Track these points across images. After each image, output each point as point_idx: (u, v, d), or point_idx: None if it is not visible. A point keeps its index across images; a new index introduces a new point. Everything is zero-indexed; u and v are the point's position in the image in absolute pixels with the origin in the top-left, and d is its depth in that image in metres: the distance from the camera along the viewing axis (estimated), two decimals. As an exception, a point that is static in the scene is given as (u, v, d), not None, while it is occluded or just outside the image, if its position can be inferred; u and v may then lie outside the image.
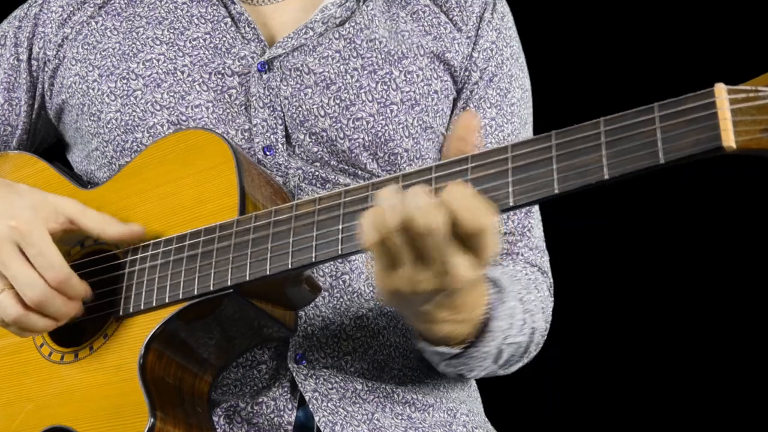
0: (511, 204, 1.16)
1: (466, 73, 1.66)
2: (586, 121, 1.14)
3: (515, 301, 1.47)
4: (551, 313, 1.65)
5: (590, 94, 2.44)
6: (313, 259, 1.29)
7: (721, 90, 1.06)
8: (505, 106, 1.68)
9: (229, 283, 1.34)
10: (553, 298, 1.67)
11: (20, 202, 1.43)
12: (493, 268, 1.53)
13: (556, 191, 1.14)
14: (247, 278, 1.33)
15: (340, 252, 1.27)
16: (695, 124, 1.06)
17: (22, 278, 1.38)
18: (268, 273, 1.32)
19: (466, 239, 1.15)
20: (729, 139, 1.04)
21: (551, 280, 1.68)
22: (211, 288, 1.36)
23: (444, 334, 1.35)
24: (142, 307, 1.41)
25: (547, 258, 1.68)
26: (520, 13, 1.78)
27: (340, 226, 1.27)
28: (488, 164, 1.18)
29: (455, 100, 1.66)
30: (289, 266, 1.31)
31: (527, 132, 1.72)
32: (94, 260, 1.47)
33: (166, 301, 1.39)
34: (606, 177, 1.11)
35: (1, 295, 1.39)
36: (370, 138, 1.57)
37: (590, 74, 2.58)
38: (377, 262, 1.20)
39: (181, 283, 1.38)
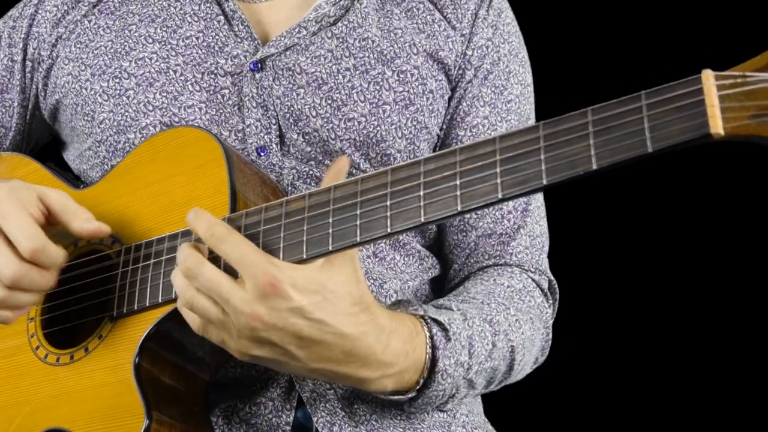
0: (500, 197, 1.14)
1: (460, 72, 1.64)
2: (572, 110, 1.12)
3: (481, 325, 1.45)
4: (551, 315, 1.63)
5: (576, 83, 2.43)
6: (304, 256, 1.28)
7: (708, 76, 1.04)
8: (500, 104, 1.65)
9: None
10: (554, 299, 1.65)
11: (2, 186, 1.42)
12: (459, 292, 1.55)
13: (545, 183, 1.12)
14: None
15: (330, 248, 1.26)
16: (683, 111, 1.04)
17: None
18: None
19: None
20: (717, 126, 1.02)
21: (550, 278, 1.65)
22: None
23: (391, 390, 1.37)
24: (135, 308, 1.40)
25: (545, 255, 1.66)
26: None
27: (330, 220, 1.26)
28: (476, 157, 1.17)
29: (449, 99, 1.64)
30: None
31: None
32: (88, 260, 1.46)
33: (159, 301, 1.38)
34: (594, 167, 1.09)
35: None
36: (361, 138, 1.55)
37: (577, 63, 2.57)
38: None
39: None
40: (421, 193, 1.20)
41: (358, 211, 1.25)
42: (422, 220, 1.20)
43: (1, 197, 1.38)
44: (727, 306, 2.58)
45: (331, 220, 1.27)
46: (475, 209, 1.17)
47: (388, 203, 1.22)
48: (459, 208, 1.17)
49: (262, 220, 1.32)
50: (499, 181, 1.14)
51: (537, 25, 2.42)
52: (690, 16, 2.44)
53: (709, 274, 2.53)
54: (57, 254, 1.38)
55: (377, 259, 1.55)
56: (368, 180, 1.25)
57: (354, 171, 1.56)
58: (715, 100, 1.03)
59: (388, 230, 1.22)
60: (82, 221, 1.41)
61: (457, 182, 1.18)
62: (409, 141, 1.58)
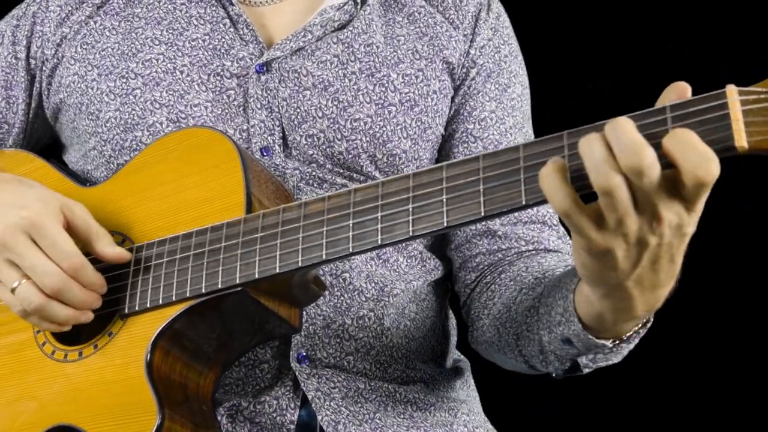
0: (524, 203, 1.17)
1: (464, 70, 1.68)
2: (588, 122, 1.15)
3: None
4: None
5: (601, 97, 2.46)
6: (324, 257, 1.30)
7: (732, 91, 1.07)
8: (506, 100, 1.69)
9: (237, 281, 1.35)
10: None
11: (30, 194, 1.43)
12: None
13: None
14: (257, 276, 1.33)
15: (351, 250, 1.28)
16: (708, 124, 1.07)
17: (40, 267, 1.37)
18: (277, 271, 1.32)
19: (680, 187, 1.08)
20: (741, 140, 1.05)
21: None
22: (220, 286, 1.36)
23: (627, 329, 1.28)
24: (148, 305, 1.41)
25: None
26: (547, 16, 1.78)
27: (351, 223, 1.28)
28: (500, 164, 1.19)
29: (453, 98, 1.68)
30: (299, 264, 1.31)
31: (529, 129, 1.73)
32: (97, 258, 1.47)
33: (173, 299, 1.39)
34: None
35: (21, 287, 1.38)
36: (367, 139, 1.58)
37: (601, 78, 2.58)
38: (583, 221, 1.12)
39: (188, 280, 1.38)
40: (444, 197, 1.23)
41: (379, 214, 1.27)
42: (445, 224, 1.22)
43: (38, 209, 1.39)
44: (723, 309, 2.62)
45: (351, 223, 1.29)
46: (498, 215, 1.19)
47: (410, 207, 1.25)
48: (482, 213, 1.20)
49: (280, 221, 1.34)
50: (523, 187, 1.17)
51: (560, 40, 2.44)
52: (712, 33, 2.46)
53: (700, 278, 2.56)
54: (95, 276, 1.41)
55: (381, 261, 1.58)
56: (389, 184, 1.28)
57: (356, 174, 1.59)
58: (740, 114, 1.06)
59: (410, 233, 1.24)
60: (105, 244, 1.43)
61: (481, 187, 1.20)
62: (413, 141, 1.61)
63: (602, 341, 1.30)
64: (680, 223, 1.11)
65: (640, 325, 1.30)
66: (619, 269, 1.14)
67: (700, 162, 1.05)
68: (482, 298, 1.60)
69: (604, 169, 1.07)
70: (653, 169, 1.06)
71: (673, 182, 1.08)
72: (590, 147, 1.08)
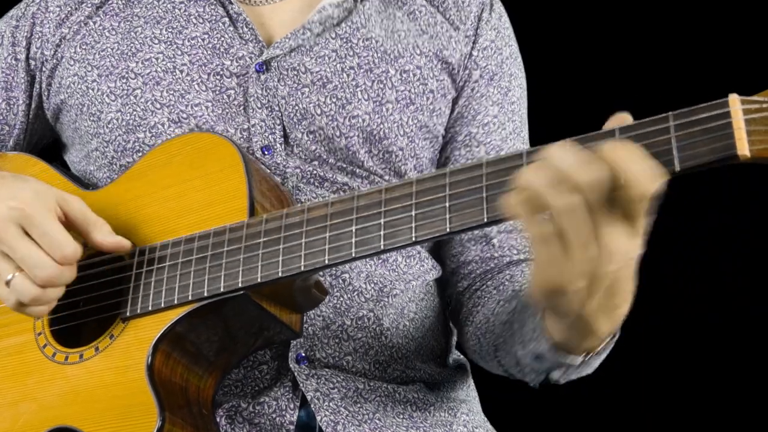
0: None
1: (467, 72, 1.69)
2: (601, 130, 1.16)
3: None
4: None
5: (605, 106, 2.47)
6: (326, 262, 1.30)
7: (735, 100, 1.08)
8: (507, 105, 1.70)
9: (240, 285, 1.35)
10: None
11: (23, 186, 1.42)
12: None
13: None
14: (259, 280, 1.34)
15: (353, 255, 1.29)
16: (710, 133, 1.09)
17: (31, 259, 1.36)
18: (280, 275, 1.33)
19: (623, 205, 1.08)
20: (743, 148, 1.07)
21: None
22: (222, 289, 1.36)
23: (595, 345, 1.28)
24: (150, 308, 1.41)
25: None
26: (553, 24, 1.79)
27: (354, 228, 1.29)
28: (504, 170, 1.20)
29: (455, 99, 1.68)
30: (302, 268, 1.32)
31: (526, 133, 1.74)
32: (99, 261, 1.47)
33: (175, 302, 1.39)
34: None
35: (15, 279, 1.37)
36: (365, 136, 1.59)
37: (605, 87, 2.58)
38: (539, 254, 1.12)
39: (190, 284, 1.39)
40: (447, 203, 1.23)
41: (382, 220, 1.28)
42: (448, 229, 1.23)
43: (29, 199, 1.38)
44: (724, 311, 2.64)
45: (354, 228, 1.29)
46: (501, 221, 1.21)
47: (414, 213, 1.26)
48: (486, 219, 1.21)
49: (282, 225, 1.35)
50: None
51: (565, 47, 2.44)
52: (714, 43, 2.46)
53: (700, 277, 2.57)
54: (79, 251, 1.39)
55: (380, 261, 1.59)
56: (393, 189, 1.28)
57: (358, 169, 1.60)
58: (742, 123, 1.07)
59: (413, 239, 1.25)
60: (105, 234, 1.43)
61: (484, 194, 1.21)
62: (410, 139, 1.62)
63: (571, 358, 1.31)
64: (627, 248, 1.10)
65: (608, 340, 1.31)
66: (575, 305, 1.15)
67: (645, 174, 1.06)
68: (469, 304, 1.62)
69: (560, 187, 1.07)
70: (605, 180, 1.06)
71: (613, 204, 1.08)
72: (535, 175, 1.08)
